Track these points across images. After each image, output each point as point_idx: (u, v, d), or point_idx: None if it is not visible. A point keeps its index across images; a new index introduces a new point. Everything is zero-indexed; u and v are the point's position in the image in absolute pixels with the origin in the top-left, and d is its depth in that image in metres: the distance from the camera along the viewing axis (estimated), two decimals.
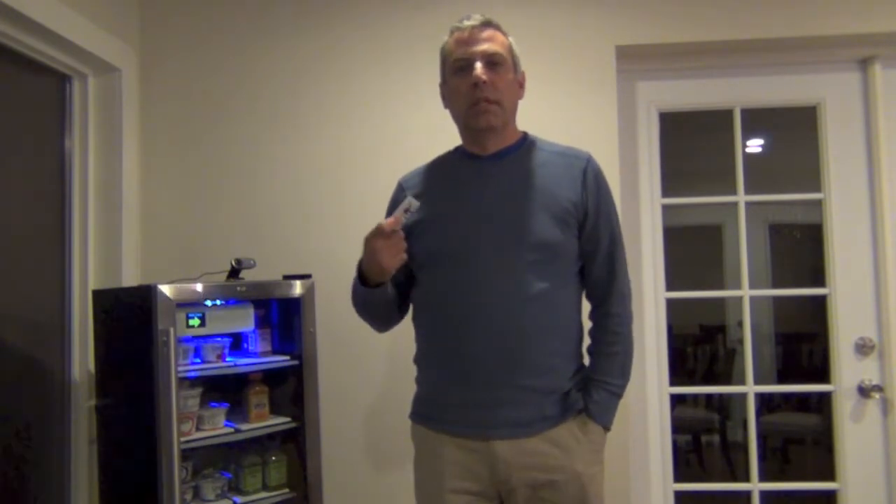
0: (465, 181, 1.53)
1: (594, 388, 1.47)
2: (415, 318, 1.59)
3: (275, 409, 2.10)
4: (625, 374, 1.51)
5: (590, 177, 1.49)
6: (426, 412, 1.53)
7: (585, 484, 1.43)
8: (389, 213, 1.65)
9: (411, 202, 1.40)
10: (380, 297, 1.52)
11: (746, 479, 2.35)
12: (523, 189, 1.47)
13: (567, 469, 1.42)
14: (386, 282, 1.49)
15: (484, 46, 1.46)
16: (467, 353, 1.43)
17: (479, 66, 1.44)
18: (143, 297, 1.80)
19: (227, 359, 2.02)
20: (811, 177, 2.38)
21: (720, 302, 3.84)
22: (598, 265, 1.51)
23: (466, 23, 1.48)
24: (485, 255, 1.44)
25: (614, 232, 1.52)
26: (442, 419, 1.48)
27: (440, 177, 1.59)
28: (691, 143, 2.85)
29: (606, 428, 1.49)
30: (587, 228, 1.49)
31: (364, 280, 1.49)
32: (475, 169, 1.53)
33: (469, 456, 1.44)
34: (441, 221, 1.51)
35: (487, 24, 1.49)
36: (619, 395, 1.50)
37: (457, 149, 1.61)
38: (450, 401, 1.47)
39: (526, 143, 1.56)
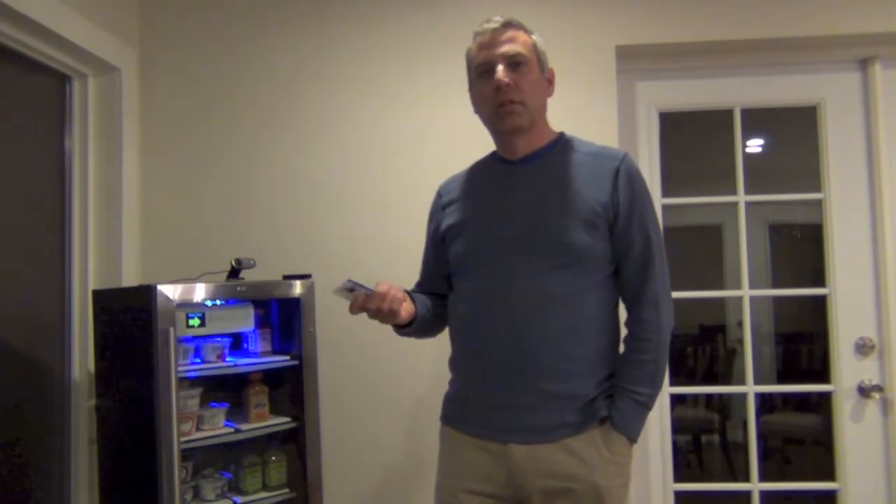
0: (495, 185, 1.53)
1: (619, 397, 1.42)
2: (448, 321, 1.60)
3: (275, 409, 2.10)
4: (654, 383, 1.43)
5: (622, 177, 1.44)
6: (451, 413, 1.55)
7: (604, 497, 1.38)
8: (431, 219, 1.68)
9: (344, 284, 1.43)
10: (416, 330, 1.56)
11: (746, 479, 2.35)
12: (551, 192, 1.45)
13: (584, 479, 1.38)
14: (410, 319, 1.51)
15: (505, 48, 1.45)
16: (489, 356, 1.44)
17: (500, 68, 1.44)
18: (143, 297, 1.80)
19: (227, 359, 2.02)
20: (811, 177, 2.38)
21: (720, 302, 3.83)
22: (629, 269, 1.46)
23: (486, 26, 1.48)
24: (509, 259, 1.44)
25: (649, 235, 1.45)
26: (464, 420, 1.49)
27: (473, 182, 1.60)
28: (691, 143, 2.85)
29: (632, 440, 1.42)
30: (618, 230, 1.44)
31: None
32: (505, 173, 1.53)
33: (487, 458, 1.44)
34: (470, 226, 1.53)
35: (508, 25, 1.47)
36: (646, 406, 1.43)
37: (492, 153, 1.61)
38: (472, 402, 1.48)
39: (559, 145, 1.52)
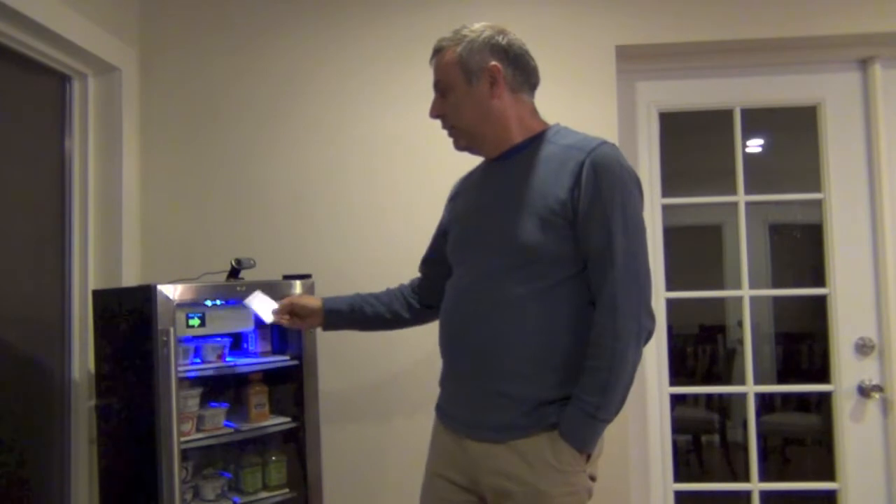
0: (473, 185, 1.59)
1: (570, 404, 1.35)
2: None
3: (275, 409, 2.10)
4: (606, 393, 1.32)
5: (586, 171, 1.35)
6: (438, 402, 1.59)
7: (544, 503, 1.34)
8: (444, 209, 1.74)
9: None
10: (350, 326, 1.76)
11: (746, 479, 2.35)
12: (515, 189, 1.42)
13: (526, 483, 1.34)
14: (330, 321, 1.75)
15: (434, 80, 1.51)
16: (451, 353, 1.50)
17: (431, 105, 1.52)
18: (143, 297, 1.80)
19: (227, 359, 2.02)
20: (811, 177, 2.38)
21: (720, 302, 3.84)
22: (590, 268, 1.38)
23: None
24: (471, 258, 1.49)
25: (611, 232, 1.34)
26: (441, 411, 1.56)
27: (468, 180, 1.65)
28: (691, 143, 2.85)
29: (578, 450, 1.34)
30: (578, 228, 1.36)
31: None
32: (484, 172, 1.57)
33: (454, 449, 1.48)
34: (454, 224, 1.59)
35: (434, 52, 1.51)
36: (593, 416, 1.32)
37: None
38: (444, 394, 1.55)
39: (537, 140, 1.47)
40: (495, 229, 1.43)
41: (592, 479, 1.41)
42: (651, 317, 1.39)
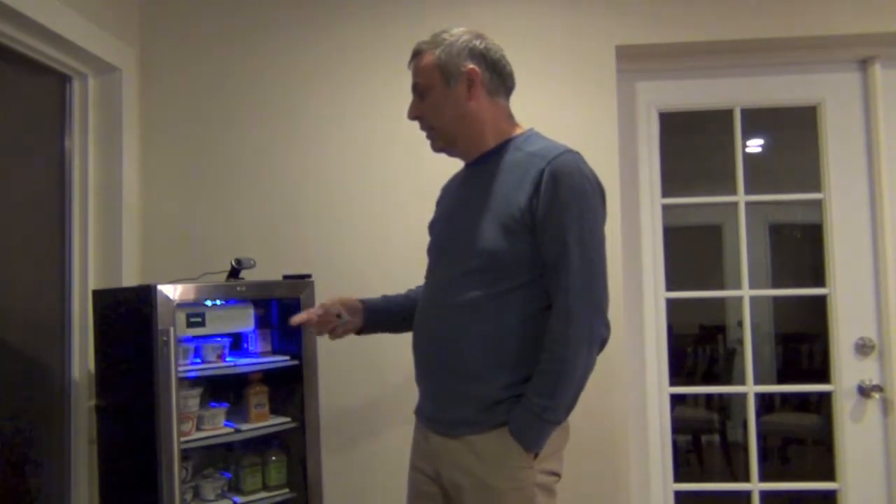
0: (454, 188, 1.65)
1: (520, 404, 1.38)
2: None
3: (275, 409, 2.10)
4: (554, 395, 1.35)
5: (545, 179, 1.38)
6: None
7: (493, 499, 1.38)
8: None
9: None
10: (382, 328, 1.72)
11: (746, 479, 2.35)
12: (482, 195, 1.46)
13: (476, 477, 1.39)
14: (367, 325, 1.69)
15: (412, 82, 1.53)
16: (418, 350, 1.54)
17: (409, 106, 1.53)
18: (143, 297, 1.80)
19: (227, 359, 2.02)
20: (811, 177, 2.38)
21: (720, 302, 3.84)
22: (547, 276, 1.41)
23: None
24: (441, 261, 1.55)
25: (566, 242, 1.36)
26: (417, 405, 1.60)
27: (451, 183, 1.69)
28: (691, 143, 2.85)
29: (525, 448, 1.37)
30: (537, 235, 1.39)
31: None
32: (461, 177, 1.63)
33: (423, 442, 1.54)
34: (433, 227, 1.65)
35: (414, 55, 1.53)
36: (540, 417, 1.35)
37: None
38: (418, 389, 1.59)
39: (506, 146, 1.50)
40: (461, 234, 1.48)
41: (556, 474, 1.45)
42: (606, 324, 1.42)
